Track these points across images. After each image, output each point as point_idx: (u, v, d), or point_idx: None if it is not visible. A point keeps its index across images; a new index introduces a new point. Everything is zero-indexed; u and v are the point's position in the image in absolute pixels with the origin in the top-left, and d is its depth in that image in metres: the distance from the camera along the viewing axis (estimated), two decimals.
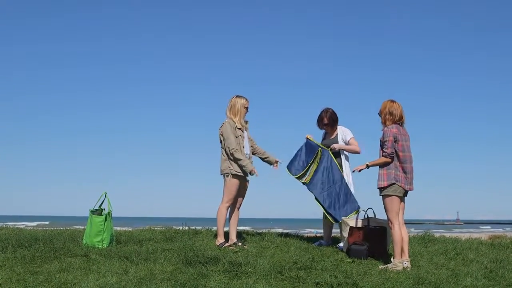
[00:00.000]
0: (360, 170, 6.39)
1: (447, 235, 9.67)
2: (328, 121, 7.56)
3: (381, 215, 7.12)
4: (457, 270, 5.92)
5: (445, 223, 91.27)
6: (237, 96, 7.24)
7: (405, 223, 6.20)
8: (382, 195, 6.09)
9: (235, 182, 6.97)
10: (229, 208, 7.14)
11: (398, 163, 6.07)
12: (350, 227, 6.81)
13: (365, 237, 6.69)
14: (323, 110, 7.62)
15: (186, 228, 8.69)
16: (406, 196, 6.21)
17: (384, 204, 6.11)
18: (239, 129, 7.10)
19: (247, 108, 7.26)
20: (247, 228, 10.03)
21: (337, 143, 7.54)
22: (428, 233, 8.75)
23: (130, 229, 9.14)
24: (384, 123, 6.24)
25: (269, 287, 4.89)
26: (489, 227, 66.63)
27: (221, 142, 7.09)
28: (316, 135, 7.74)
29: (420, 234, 8.74)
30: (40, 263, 5.65)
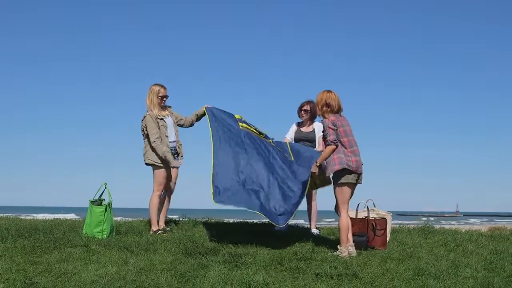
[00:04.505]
0: (316, 173, 6.43)
1: (447, 226, 9.69)
2: (311, 110, 7.66)
3: (381, 206, 7.14)
4: (457, 261, 5.92)
5: (445, 215, 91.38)
6: (154, 84, 7.24)
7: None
8: (334, 183, 6.15)
9: (161, 171, 7.12)
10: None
11: (345, 149, 6.09)
12: (350, 218, 6.81)
13: (365, 228, 6.69)
14: (306, 100, 7.75)
15: (186, 219, 8.69)
16: (359, 182, 6.25)
17: (334, 192, 6.19)
18: (161, 119, 7.13)
19: (162, 97, 7.22)
20: (255, 220, 9.97)
21: (314, 137, 7.70)
22: (427, 225, 8.77)
23: (130, 219, 9.14)
24: (322, 115, 6.24)
25: (269, 277, 4.89)
26: (487, 219, 66.69)
27: (143, 134, 7.16)
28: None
29: (419, 225, 8.75)
30: (40, 253, 5.65)
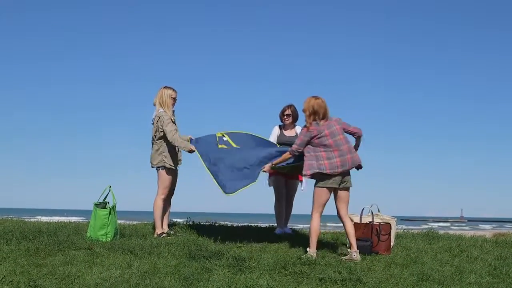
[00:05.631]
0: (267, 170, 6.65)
1: (451, 232, 9.65)
2: (292, 114, 7.72)
3: (386, 211, 7.13)
4: (462, 267, 5.90)
5: (449, 220, 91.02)
6: (165, 87, 7.29)
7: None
8: (314, 186, 6.20)
9: (169, 175, 7.17)
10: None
11: (319, 153, 6.10)
12: (355, 223, 6.80)
13: (369, 233, 6.67)
14: (287, 104, 7.80)
15: (190, 222, 8.69)
16: (346, 186, 6.21)
17: (313, 193, 6.23)
18: (173, 121, 7.19)
19: (174, 99, 7.30)
20: (259, 223, 9.96)
21: None
22: (432, 230, 8.74)
23: (134, 222, 9.14)
24: (307, 122, 6.26)
25: (273, 282, 4.88)
26: (493, 225, 66.37)
27: (155, 136, 7.15)
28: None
29: (424, 231, 8.73)
30: (44, 256, 5.66)
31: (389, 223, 6.78)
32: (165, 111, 7.11)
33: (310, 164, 6.12)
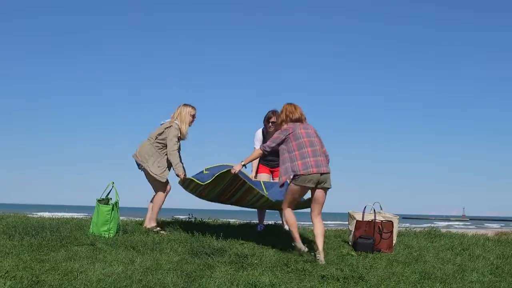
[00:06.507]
0: (238, 171, 6.38)
1: (453, 230, 9.65)
2: (277, 120, 7.44)
3: (388, 209, 7.12)
4: (464, 265, 5.91)
5: (451, 219, 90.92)
6: (185, 105, 7.39)
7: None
8: (290, 181, 6.07)
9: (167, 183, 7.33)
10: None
11: (292, 154, 6.04)
12: (357, 220, 6.81)
13: (371, 231, 6.68)
14: (271, 110, 7.65)
15: (193, 219, 8.70)
16: (322, 187, 6.06)
17: (287, 188, 6.16)
18: (180, 139, 7.27)
19: (193, 116, 7.38)
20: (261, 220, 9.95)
21: None
22: (434, 228, 8.74)
23: (137, 219, 9.15)
24: (281, 125, 6.34)
25: (275, 279, 4.89)
26: (501, 224, 66.15)
27: (158, 144, 7.21)
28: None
29: (426, 229, 8.73)
30: (46, 251, 5.67)
31: (391, 221, 6.78)
32: (180, 127, 7.22)
33: (285, 168, 6.05)
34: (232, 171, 6.30)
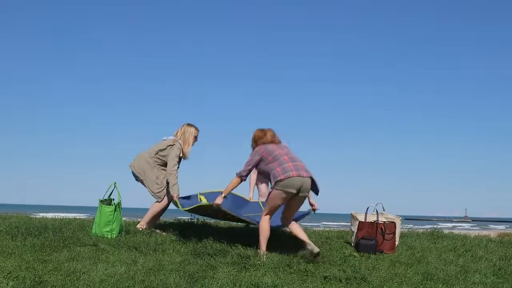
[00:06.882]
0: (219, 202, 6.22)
1: (456, 231, 9.63)
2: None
3: (390, 210, 7.12)
4: (466, 266, 5.90)
5: (453, 220, 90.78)
6: (188, 125, 7.41)
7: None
8: (272, 187, 5.96)
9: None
10: None
11: (271, 165, 5.98)
12: (359, 221, 6.80)
13: (374, 232, 6.67)
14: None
15: (195, 220, 8.70)
16: (303, 195, 5.99)
17: (268, 194, 6.03)
18: (181, 159, 7.27)
19: (196, 137, 7.41)
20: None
21: None
22: (437, 229, 8.73)
23: (139, 220, 9.15)
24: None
25: (277, 280, 4.88)
26: (506, 225, 65.93)
27: (157, 159, 7.22)
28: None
29: (429, 230, 8.71)
30: (49, 252, 5.68)
31: (394, 222, 6.78)
32: (182, 147, 7.23)
33: (269, 181, 6.01)
34: (214, 206, 6.19)
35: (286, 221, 6.21)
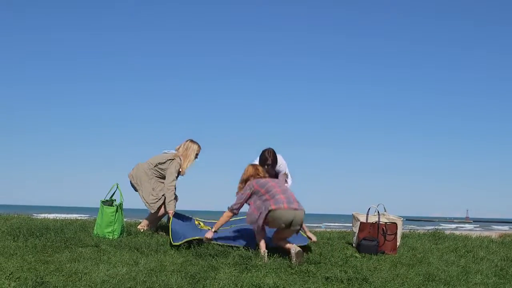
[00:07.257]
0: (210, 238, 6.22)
1: (457, 232, 9.63)
2: (272, 162, 7.10)
3: (392, 211, 7.12)
4: (468, 267, 5.90)
5: (454, 220, 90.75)
6: (192, 141, 7.46)
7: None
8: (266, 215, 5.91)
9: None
10: None
11: (263, 197, 6.00)
12: (361, 222, 6.80)
13: (375, 233, 6.67)
14: (266, 150, 7.13)
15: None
16: (294, 229, 5.98)
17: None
18: (180, 173, 7.31)
19: (197, 154, 7.46)
20: None
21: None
22: (438, 230, 8.72)
23: (141, 221, 9.16)
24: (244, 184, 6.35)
25: (279, 280, 4.89)
26: (504, 226, 65.91)
27: (156, 171, 7.26)
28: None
29: (430, 231, 8.71)
30: (51, 253, 5.68)
31: (395, 223, 6.78)
32: (182, 162, 7.28)
33: (262, 216, 5.92)
34: (204, 240, 6.19)
35: (276, 241, 6.14)
